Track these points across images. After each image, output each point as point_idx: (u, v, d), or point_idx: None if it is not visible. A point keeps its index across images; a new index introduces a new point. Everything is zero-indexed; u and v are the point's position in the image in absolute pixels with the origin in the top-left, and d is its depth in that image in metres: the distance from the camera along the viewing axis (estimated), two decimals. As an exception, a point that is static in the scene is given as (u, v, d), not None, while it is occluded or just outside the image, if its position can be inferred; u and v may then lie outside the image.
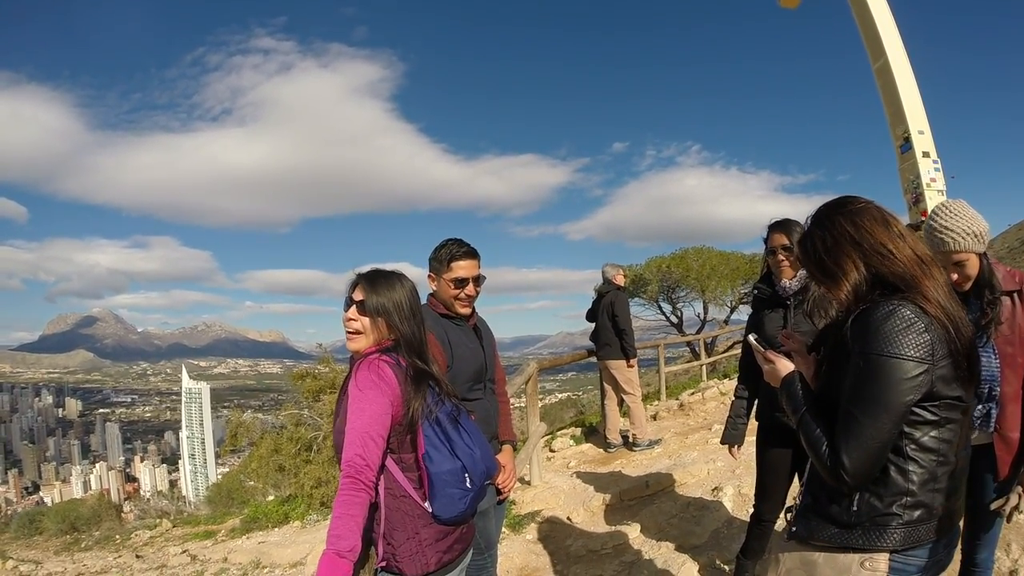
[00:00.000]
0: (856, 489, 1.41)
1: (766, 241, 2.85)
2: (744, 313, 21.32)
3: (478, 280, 2.59)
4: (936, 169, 9.23)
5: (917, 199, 9.14)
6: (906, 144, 9.32)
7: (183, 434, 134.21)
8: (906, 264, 1.44)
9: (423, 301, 2.27)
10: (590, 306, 7.47)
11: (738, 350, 16.45)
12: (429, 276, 2.62)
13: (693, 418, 8.45)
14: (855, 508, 1.43)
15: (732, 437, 3.09)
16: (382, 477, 1.78)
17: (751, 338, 1.80)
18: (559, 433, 8.46)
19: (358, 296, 1.88)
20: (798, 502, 1.65)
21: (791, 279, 2.80)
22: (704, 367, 13.35)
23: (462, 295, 2.56)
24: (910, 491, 1.40)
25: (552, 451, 7.52)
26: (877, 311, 1.38)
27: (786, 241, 2.75)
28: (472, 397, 2.55)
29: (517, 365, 6.68)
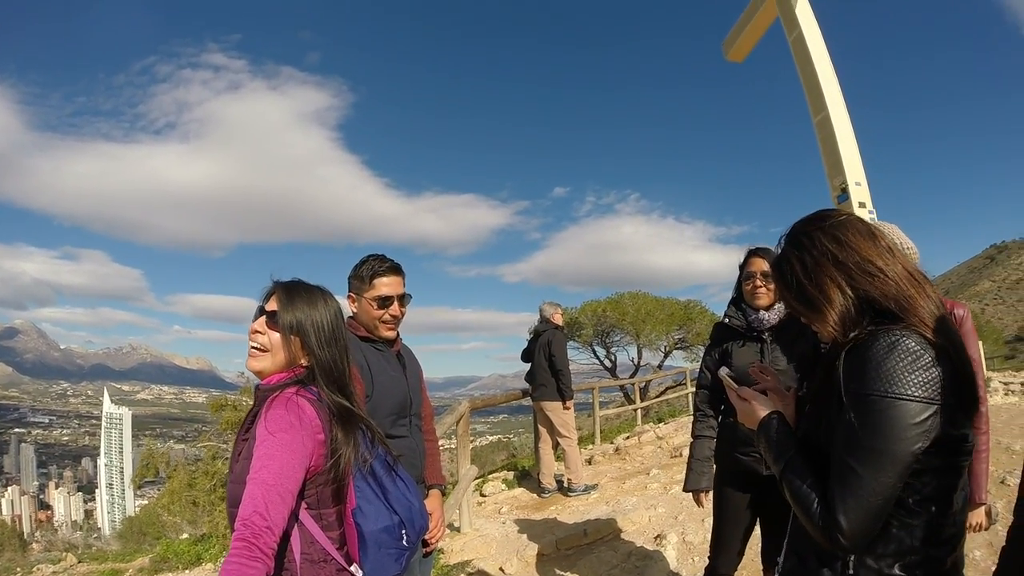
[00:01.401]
0: (853, 552, 1.17)
1: (742, 267, 2.65)
2: (678, 359, 21.62)
3: (403, 299, 2.34)
4: (872, 219, 9.55)
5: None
6: (843, 195, 9.65)
7: (101, 461, 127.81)
8: (899, 283, 1.21)
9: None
10: (526, 345, 7.25)
11: (672, 394, 16.58)
12: (349, 297, 2.34)
13: (630, 463, 8.21)
14: (851, 572, 1.19)
15: (698, 482, 2.79)
16: (298, 538, 1.45)
17: (723, 372, 1.57)
18: (490, 477, 8.05)
19: (271, 307, 1.56)
20: (780, 565, 1.41)
21: (768, 309, 2.58)
22: (639, 411, 13.25)
23: (387, 316, 2.29)
24: (915, 548, 1.16)
25: (483, 496, 7.10)
26: (876, 344, 1.14)
27: (766, 267, 2.56)
28: (395, 434, 2.26)
29: (448, 405, 6.33)
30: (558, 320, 7.01)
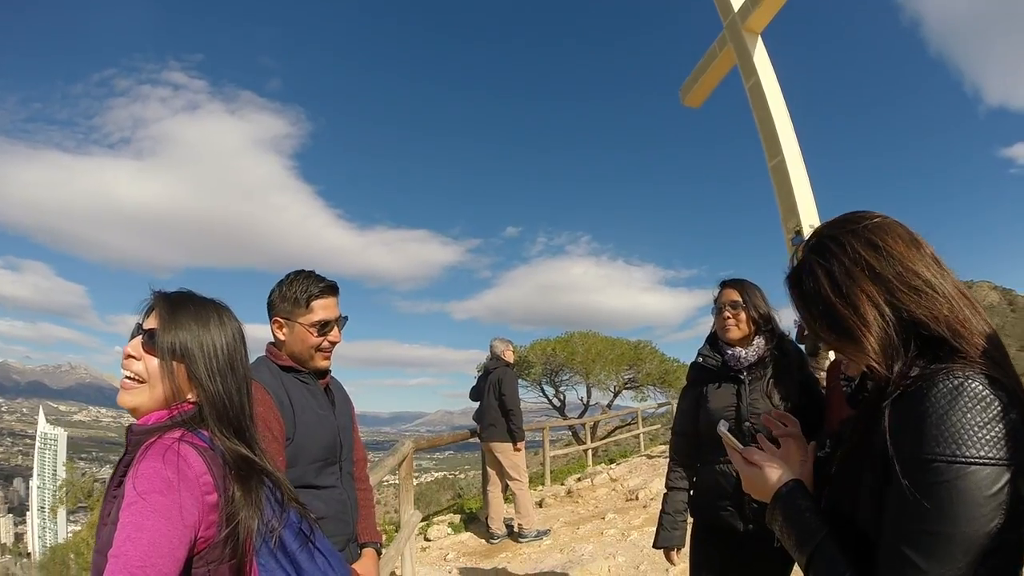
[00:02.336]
0: None
1: (716, 300, 2.42)
2: (627, 399, 21.55)
3: (341, 323, 2.03)
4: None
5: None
6: (797, 237, 9.73)
7: (33, 483, 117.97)
8: (952, 302, 0.93)
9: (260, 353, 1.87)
10: (475, 383, 6.87)
11: (621, 435, 16.32)
12: (275, 322, 1.96)
13: (583, 506, 7.81)
14: None
15: (670, 539, 2.46)
16: None
17: (723, 428, 1.25)
18: (436, 519, 7.51)
19: (149, 325, 1.17)
20: None
21: (743, 344, 2.34)
22: (589, 452, 12.91)
23: (326, 343, 1.97)
24: None
25: (427, 540, 6.59)
26: (935, 390, 0.84)
27: (737, 298, 2.33)
28: (321, 484, 1.92)
29: (395, 441, 5.87)
30: (509, 357, 6.67)
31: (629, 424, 18.48)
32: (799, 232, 9.77)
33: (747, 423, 2.22)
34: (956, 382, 0.83)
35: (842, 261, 0.98)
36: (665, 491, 2.51)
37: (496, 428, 6.39)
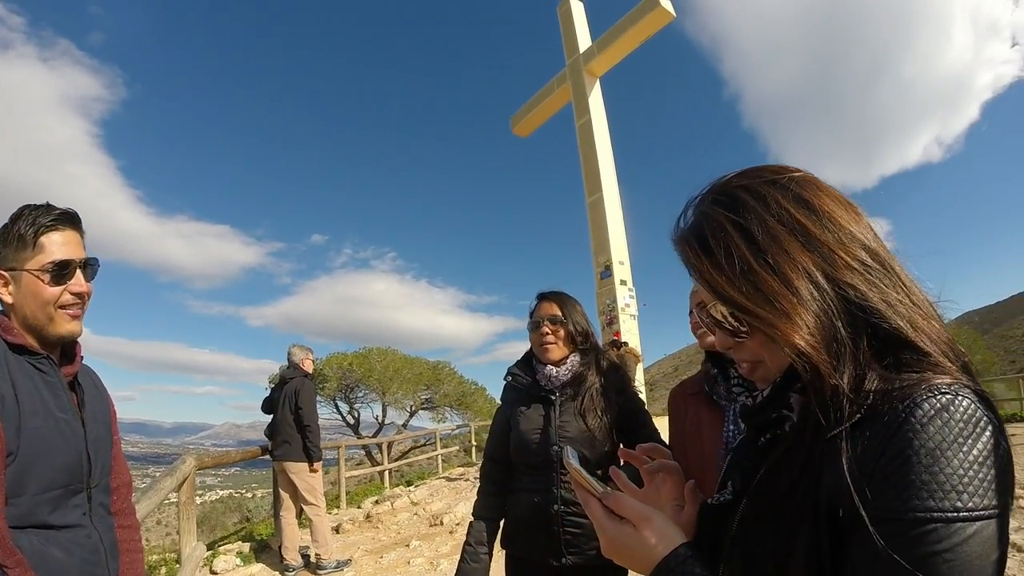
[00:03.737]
0: None
1: (532, 314, 2.24)
2: (424, 419, 21.29)
3: (90, 268, 1.47)
4: (631, 296, 10.30)
5: (611, 321, 10.00)
6: (607, 272, 10.27)
7: None
8: (899, 286, 0.69)
9: None
10: (268, 393, 6.16)
11: (416, 456, 15.89)
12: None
13: (384, 532, 7.27)
14: None
15: (469, 573, 2.17)
16: None
17: (571, 460, 0.83)
18: (222, 548, 6.47)
19: None
20: None
21: (559, 364, 2.17)
22: (386, 473, 12.32)
23: (68, 296, 1.42)
24: None
25: (213, 573, 5.61)
26: (917, 412, 0.58)
27: (556, 312, 2.18)
28: (59, 522, 1.32)
29: (177, 455, 4.95)
30: (308, 367, 6.07)
31: (424, 445, 18.11)
32: (608, 267, 10.39)
33: (555, 447, 2.05)
34: (943, 401, 0.58)
35: (763, 219, 0.70)
36: (471, 519, 2.25)
37: (291, 446, 5.71)
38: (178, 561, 5.46)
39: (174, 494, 4.14)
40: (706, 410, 1.95)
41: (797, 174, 0.73)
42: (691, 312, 2.06)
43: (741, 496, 0.75)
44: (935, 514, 0.55)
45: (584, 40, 11.93)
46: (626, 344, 8.26)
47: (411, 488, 10.22)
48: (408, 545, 6.35)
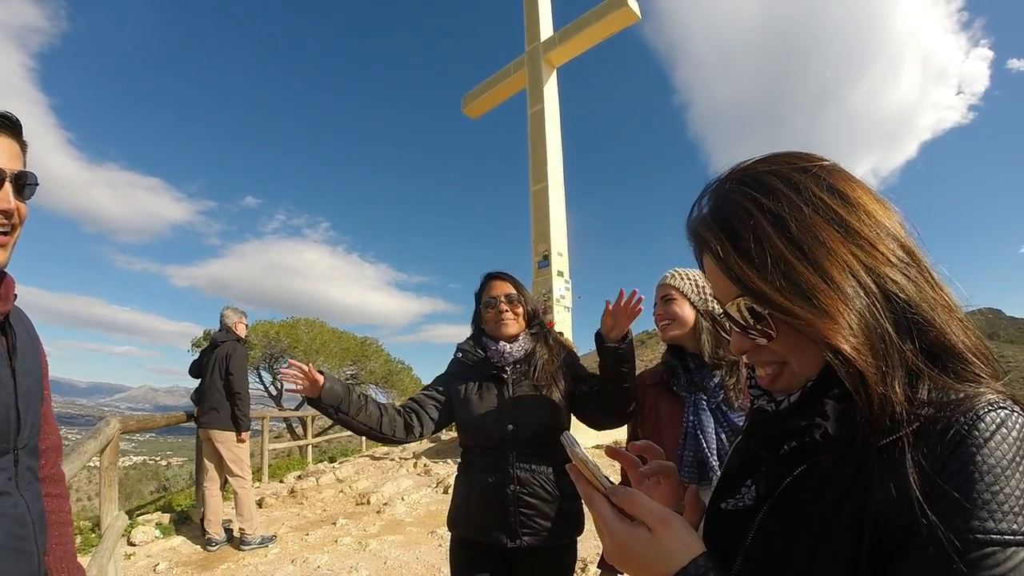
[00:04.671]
0: None
1: (479, 295, 2.28)
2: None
3: (24, 182, 1.17)
4: (567, 288, 10.43)
5: (545, 311, 10.10)
6: (544, 261, 10.36)
7: None
8: (935, 287, 0.65)
9: None
10: (197, 356, 5.97)
11: (338, 433, 15.61)
12: None
13: (309, 508, 7.15)
14: None
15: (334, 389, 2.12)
16: None
17: (578, 452, 0.72)
18: (140, 519, 6.18)
19: None
20: None
21: (512, 341, 2.19)
22: (309, 448, 12.09)
23: None
24: None
25: (132, 544, 5.39)
26: (980, 425, 0.56)
27: (512, 291, 2.21)
28: None
29: (92, 416, 4.65)
30: (241, 331, 5.90)
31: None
32: (547, 257, 10.51)
33: (509, 426, 2.04)
34: (1001, 416, 0.56)
35: (798, 207, 0.64)
36: None
37: (219, 413, 5.52)
38: (93, 531, 5.19)
39: (96, 458, 3.91)
40: (665, 400, 2.00)
41: (827, 163, 0.69)
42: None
43: (763, 503, 0.69)
44: (994, 536, 0.53)
45: (547, 29, 11.92)
46: (561, 334, 8.39)
47: (335, 465, 10.06)
48: (335, 523, 6.27)
